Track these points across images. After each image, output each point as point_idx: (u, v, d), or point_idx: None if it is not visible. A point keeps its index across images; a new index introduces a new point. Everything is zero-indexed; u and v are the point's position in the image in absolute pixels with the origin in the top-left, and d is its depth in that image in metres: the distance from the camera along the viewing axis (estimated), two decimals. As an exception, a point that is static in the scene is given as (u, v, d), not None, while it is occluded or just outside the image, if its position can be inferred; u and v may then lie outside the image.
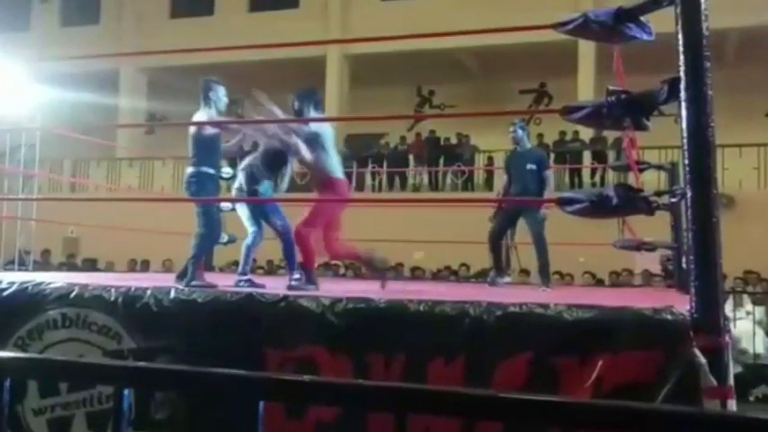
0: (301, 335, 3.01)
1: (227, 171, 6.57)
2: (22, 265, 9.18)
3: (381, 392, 1.35)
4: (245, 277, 4.52)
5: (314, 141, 4.32)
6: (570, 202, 2.82)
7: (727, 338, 2.44)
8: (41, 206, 9.91)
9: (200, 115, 4.53)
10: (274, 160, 4.66)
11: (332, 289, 3.95)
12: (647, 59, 6.33)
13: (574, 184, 13.11)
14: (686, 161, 2.50)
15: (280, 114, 4.49)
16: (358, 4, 15.26)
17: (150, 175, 15.51)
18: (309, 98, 4.54)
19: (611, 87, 2.86)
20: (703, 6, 2.53)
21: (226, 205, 5.56)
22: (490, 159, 13.66)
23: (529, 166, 5.79)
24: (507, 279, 6.00)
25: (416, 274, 11.43)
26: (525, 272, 9.33)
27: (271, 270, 11.62)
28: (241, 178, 4.76)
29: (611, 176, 11.84)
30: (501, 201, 5.85)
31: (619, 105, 2.81)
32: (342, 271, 11.42)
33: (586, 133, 12.96)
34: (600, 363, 2.61)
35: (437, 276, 11.16)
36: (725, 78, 10.56)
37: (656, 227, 5.03)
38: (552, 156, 13.85)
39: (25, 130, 9.35)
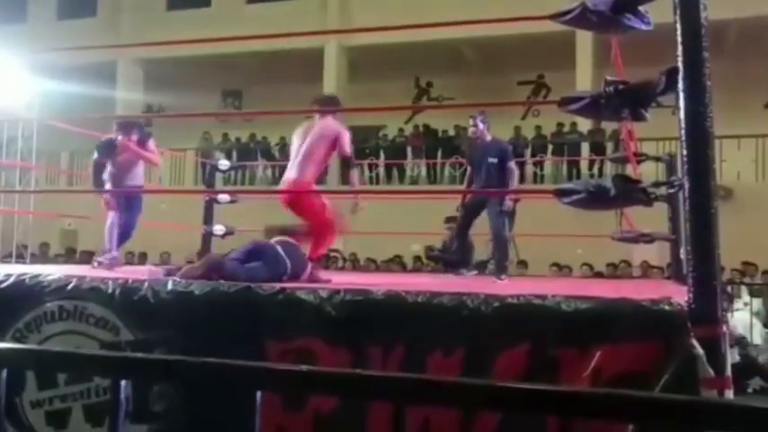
0: (299, 326, 3.01)
1: (223, 163, 6.55)
2: (20, 258, 9.18)
3: (380, 382, 1.35)
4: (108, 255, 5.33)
5: None
6: (568, 193, 2.82)
7: (724, 328, 2.44)
8: (39, 199, 9.88)
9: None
10: None
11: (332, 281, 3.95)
12: (646, 50, 6.31)
13: (572, 175, 13.10)
14: (684, 152, 2.49)
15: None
16: (356, -5, 15.21)
17: (147, 168, 15.45)
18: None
19: (609, 78, 2.86)
20: (702, -4, 2.52)
21: (223, 197, 5.56)
22: (489, 151, 13.62)
23: (490, 160, 5.74)
24: (473, 273, 5.88)
25: (415, 265, 11.44)
26: (523, 263, 9.34)
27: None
28: None
29: (609, 168, 11.84)
30: (500, 193, 5.81)
31: (617, 96, 2.80)
32: (340, 264, 11.43)
33: (584, 125, 12.95)
34: (598, 353, 2.61)
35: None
36: (723, 69, 10.53)
37: (654, 218, 5.04)
38: (550, 147, 13.89)
39: (22, 122, 9.32)
